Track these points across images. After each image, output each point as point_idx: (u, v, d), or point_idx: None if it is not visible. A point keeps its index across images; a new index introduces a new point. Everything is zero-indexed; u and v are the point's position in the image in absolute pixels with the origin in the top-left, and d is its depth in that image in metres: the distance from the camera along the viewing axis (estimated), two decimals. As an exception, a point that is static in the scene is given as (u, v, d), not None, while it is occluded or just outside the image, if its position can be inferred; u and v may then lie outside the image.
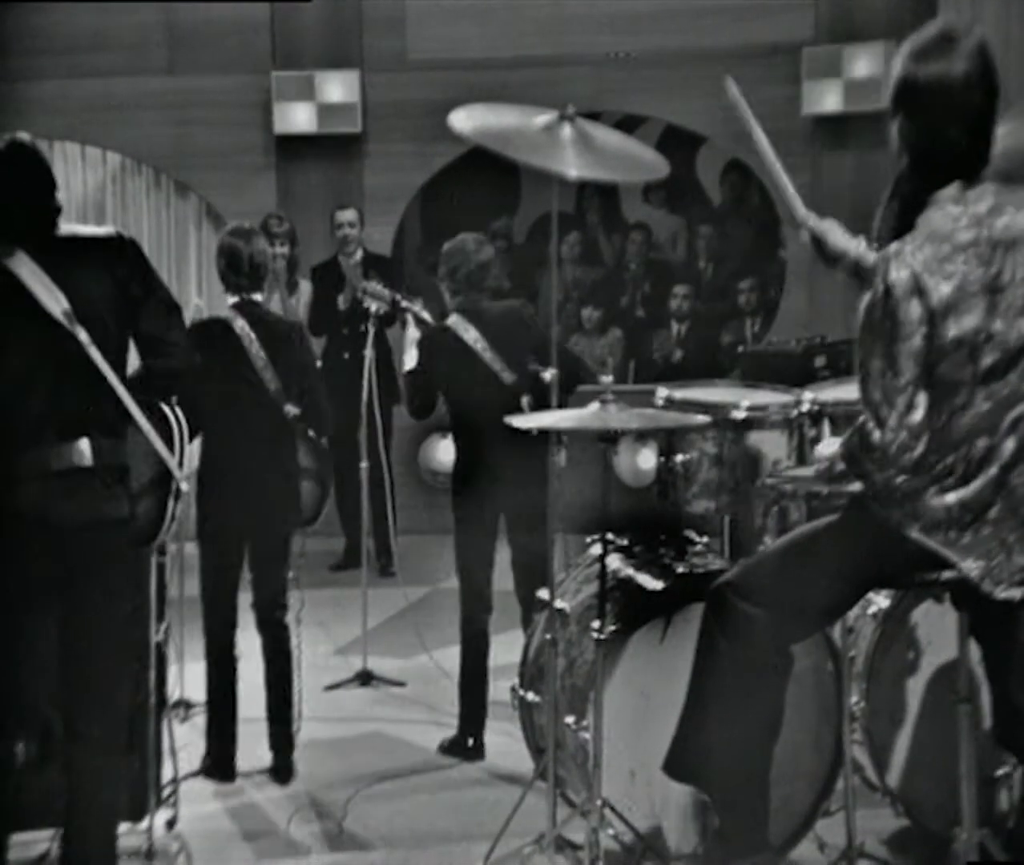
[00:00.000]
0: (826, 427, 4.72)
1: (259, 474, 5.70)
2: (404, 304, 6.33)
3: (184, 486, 4.27)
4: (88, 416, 4.07)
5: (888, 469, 3.67)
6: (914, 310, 3.59)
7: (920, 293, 3.58)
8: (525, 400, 5.82)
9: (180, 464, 4.26)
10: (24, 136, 4.18)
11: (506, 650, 6.08)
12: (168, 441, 4.27)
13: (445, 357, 5.93)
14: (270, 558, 5.82)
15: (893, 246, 3.65)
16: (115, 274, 4.19)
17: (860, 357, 3.69)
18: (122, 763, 4.44)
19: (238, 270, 5.79)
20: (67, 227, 4.22)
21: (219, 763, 5.76)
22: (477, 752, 6.00)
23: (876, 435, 3.65)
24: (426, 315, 6.25)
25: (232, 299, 5.82)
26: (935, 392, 3.65)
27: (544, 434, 4.82)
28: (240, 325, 5.71)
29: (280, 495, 5.81)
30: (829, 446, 4.04)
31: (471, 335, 5.89)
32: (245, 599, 5.86)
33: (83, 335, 4.02)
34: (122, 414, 4.11)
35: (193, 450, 6.14)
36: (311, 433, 6.01)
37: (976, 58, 3.65)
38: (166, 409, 4.32)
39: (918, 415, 3.63)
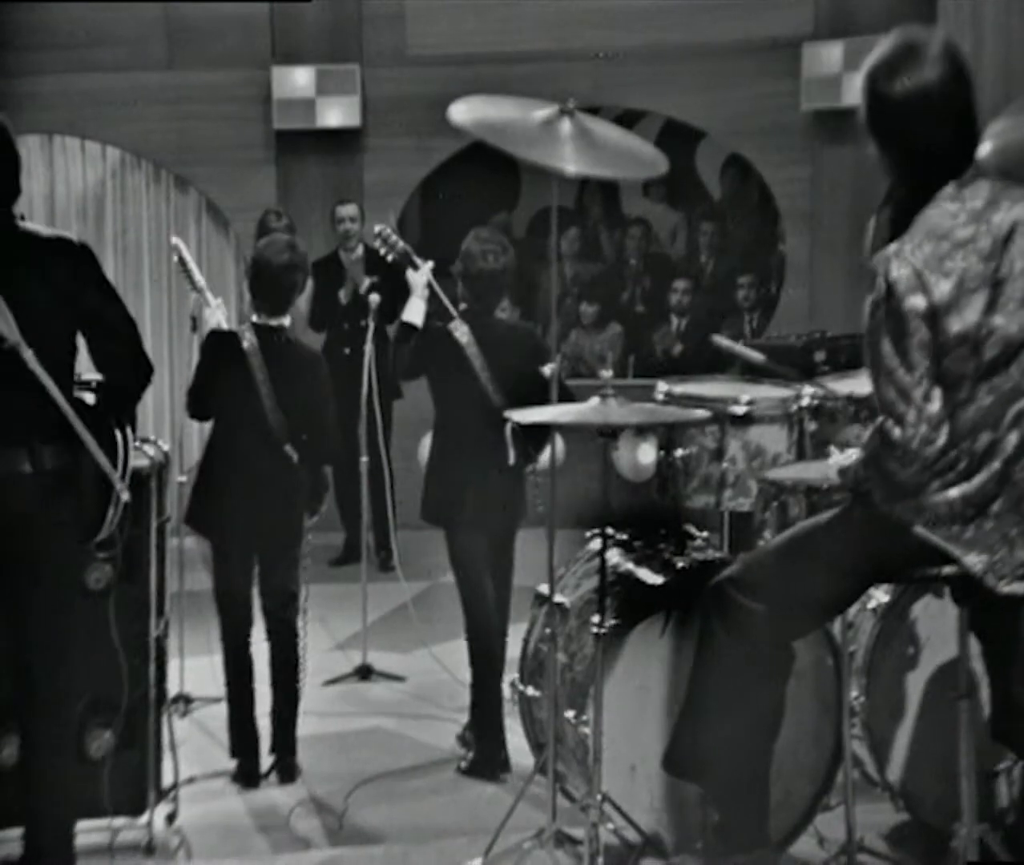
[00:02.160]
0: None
1: (258, 498, 5.67)
2: (418, 262, 5.94)
3: (125, 496, 4.28)
4: (30, 424, 4.11)
5: (913, 464, 3.63)
6: (918, 305, 3.58)
7: (923, 289, 3.58)
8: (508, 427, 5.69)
9: (123, 476, 4.28)
10: None
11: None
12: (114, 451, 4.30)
13: (440, 359, 5.79)
14: (277, 572, 5.79)
15: (892, 246, 3.64)
16: (67, 281, 4.18)
17: (870, 358, 3.67)
18: (72, 761, 4.43)
19: (258, 289, 5.80)
20: (24, 225, 4.22)
21: (243, 769, 5.75)
22: (501, 770, 5.78)
23: (896, 432, 3.62)
24: (435, 287, 5.92)
25: (252, 317, 5.80)
26: (940, 386, 3.66)
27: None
28: (249, 344, 5.66)
29: (278, 504, 5.75)
30: (846, 458, 4.03)
31: (472, 349, 5.72)
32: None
33: (29, 355, 4.05)
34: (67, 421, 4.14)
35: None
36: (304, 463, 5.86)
37: (946, 59, 3.63)
38: (112, 424, 4.30)
39: (935, 406, 3.61)
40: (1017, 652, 3.85)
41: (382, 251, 6.10)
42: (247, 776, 5.71)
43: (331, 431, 5.90)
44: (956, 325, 3.60)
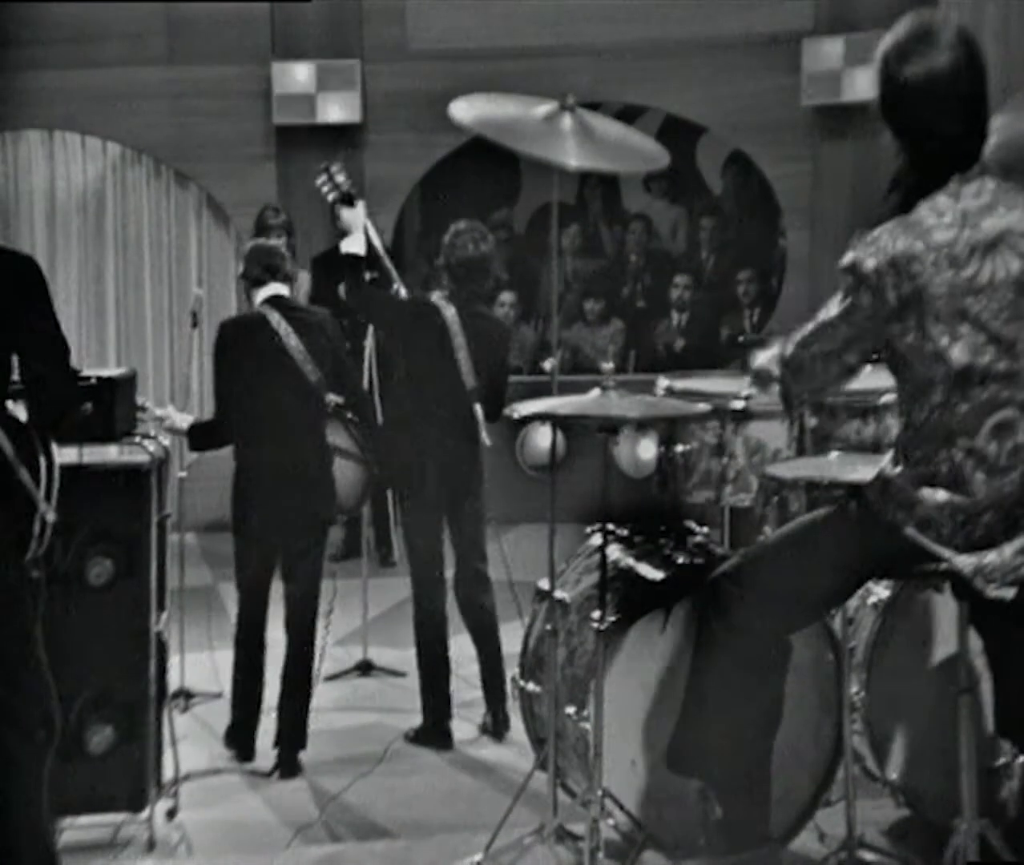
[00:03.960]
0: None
1: (298, 468, 5.75)
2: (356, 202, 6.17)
3: (50, 517, 4.15)
4: None
5: (781, 386, 3.85)
6: (867, 299, 3.62)
7: (877, 289, 3.60)
8: (477, 408, 5.91)
9: (48, 496, 4.15)
10: None
11: (505, 640, 6.09)
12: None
13: (421, 330, 5.99)
14: (305, 552, 5.85)
15: (876, 229, 3.67)
16: (7, 297, 4.10)
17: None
18: (40, 772, 4.38)
19: (267, 266, 5.88)
20: None
21: (240, 740, 5.85)
22: (445, 741, 6.06)
23: (788, 348, 3.82)
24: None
25: (262, 294, 5.86)
26: (913, 387, 3.68)
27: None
28: (276, 319, 5.76)
29: (317, 488, 5.85)
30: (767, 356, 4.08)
31: (455, 327, 5.95)
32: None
33: None
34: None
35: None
36: (351, 416, 6.09)
37: (959, 47, 3.62)
38: (35, 441, 4.17)
39: (833, 369, 3.75)
40: (1017, 646, 3.85)
41: (324, 188, 6.17)
42: (242, 749, 5.81)
43: (360, 384, 6.17)
44: (913, 327, 3.61)
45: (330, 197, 6.16)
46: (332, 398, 5.88)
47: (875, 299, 3.61)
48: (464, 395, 5.90)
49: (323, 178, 6.18)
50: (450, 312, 5.95)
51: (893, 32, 3.69)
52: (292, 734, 5.79)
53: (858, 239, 3.70)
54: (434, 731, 6.06)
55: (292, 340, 5.72)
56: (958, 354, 3.60)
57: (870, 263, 3.61)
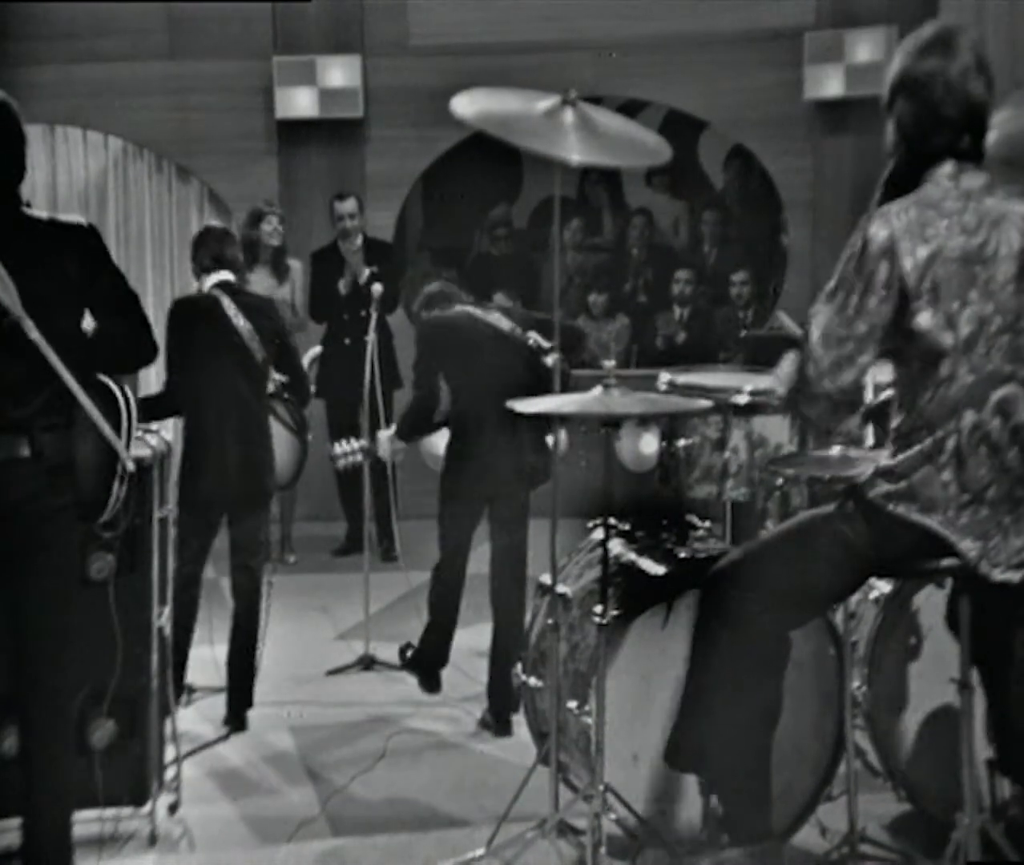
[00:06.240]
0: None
1: (243, 440, 5.99)
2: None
3: (131, 466, 4.27)
4: (30, 410, 4.08)
5: (813, 407, 3.78)
6: (883, 271, 3.65)
7: (892, 255, 3.64)
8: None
9: (127, 445, 4.27)
10: None
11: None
12: (117, 421, 4.29)
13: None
14: (250, 524, 6.09)
15: (883, 207, 3.73)
16: (74, 267, 4.19)
17: (826, 294, 3.73)
18: (71, 752, 4.41)
19: (228, 253, 6.18)
20: (30, 212, 4.26)
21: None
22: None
23: (808, 368, 3.73)
24: None
25: (212, 279, 6.10)
26: (920, 365, 3.70)
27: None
28: (226, 301, 6.02)
29: (260, 460, 6.09)
30: (790, 363, 4.06)
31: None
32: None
33: (30, 325, 4.03)
34: (72, 401, 4.12)
35: (167, 427, 6.46)
36: (287, 396, 6.36)
37: (972, 53, 3.76)
38: (115, 389, 4.28)
39: (849, 375, 3.69)
40: (1014, 679, 3.87)
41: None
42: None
43: (300, 365, 6.48)
44: (929, 291, 3.64)
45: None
46: (276, 377, 6.20)
47: (891, 267, 3.64)
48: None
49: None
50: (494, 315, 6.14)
51: (914, 34, 3.83)
52: (240, 695, 6.10)
53: (864, 219, 3.72)
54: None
55: (240, 321, 5.98)
56: (967, 320, 3.66)
57: (883, 232, 3.67)
